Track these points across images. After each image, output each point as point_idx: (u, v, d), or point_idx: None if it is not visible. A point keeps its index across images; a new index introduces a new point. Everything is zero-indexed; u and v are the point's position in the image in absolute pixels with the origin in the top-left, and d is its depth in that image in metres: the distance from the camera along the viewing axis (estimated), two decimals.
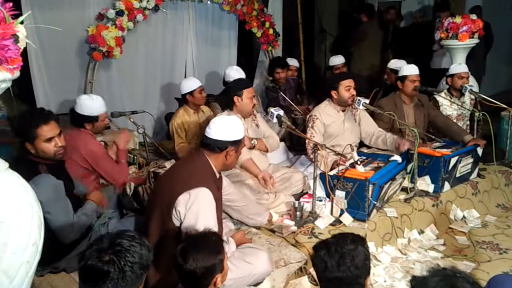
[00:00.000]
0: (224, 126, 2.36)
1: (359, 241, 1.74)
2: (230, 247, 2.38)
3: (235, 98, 3.32)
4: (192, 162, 2.39)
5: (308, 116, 3.77)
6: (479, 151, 3.85)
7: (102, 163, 3.09)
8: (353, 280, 1.64)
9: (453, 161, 3.58)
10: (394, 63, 4.84)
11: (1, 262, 1.52)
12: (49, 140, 2.42)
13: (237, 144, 2.38)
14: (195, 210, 2.16)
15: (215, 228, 2.17)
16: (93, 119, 3.13)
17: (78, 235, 2.44)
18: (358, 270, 1.65)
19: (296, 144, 4.48)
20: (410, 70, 4.04)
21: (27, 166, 2.25)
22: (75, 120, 3.13)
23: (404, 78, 4.03)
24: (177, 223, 2.21)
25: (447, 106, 4.38)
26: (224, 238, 2.38)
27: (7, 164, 1.64)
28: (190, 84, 4.07)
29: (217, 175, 2.43)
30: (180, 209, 2.18)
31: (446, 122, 4.13)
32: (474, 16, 4.72)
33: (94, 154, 3.06)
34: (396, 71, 4.40)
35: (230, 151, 2.35)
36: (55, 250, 2.35)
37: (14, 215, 1.54)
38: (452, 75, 4.38)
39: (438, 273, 1.40)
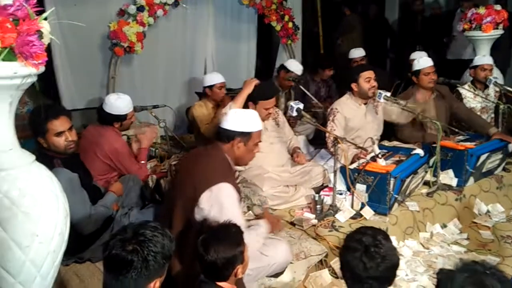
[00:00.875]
0: (236, 116, 2.33)
1: (388, 237, 1.73)
2: (261, 229, 2.36)
3: (250, 103, 3.24)
4: (208, 155, 2.35)
5: (329, 110, 3.75)
6: (510, 147, 3.78)
7: (125, 162, 3.12)
8: (388, 279, 1.64)
9: (482, 157, 3.53)
10: (415, 55, 4.78)
11: (29, 252, 1.57)
12: (59, 134, 2.44)
13: (245, 136, 2.31)
14: (218, 207, 2.15)
15: (242, 222, 2.16)
16: (122, 118, 3.19)
17: (97, 226, 2.48)
18: (394, 269, 1.65)
19: (316, 137, 4.46)
20: (422, 63, 3.95)
21: (43, 161, 2.32)
22: (104, 119, 3.16)
23: (418, 73, 3.95)
24: (199, 219, 2.21)
25: (471, 98, 4.29)
26: (253, 222, 2.39)
27: (33, 157, 1.69)
28: (212, 78, 4.10)
29: (234, 167, 2.42)
30: (204, 206, 2.17)
31: (469, 115, 4.04)
32: (498, 7, 4.61)
33: (117, 151, 3.09)
34: None
35: (238, 142, 2.30)
36: (79, 241, 2.40)
37: (41, 206, 1.59)
38: (475, 67, 4.29)
39: (466, 269, 1.36)
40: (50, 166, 2.30)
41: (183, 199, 2.25)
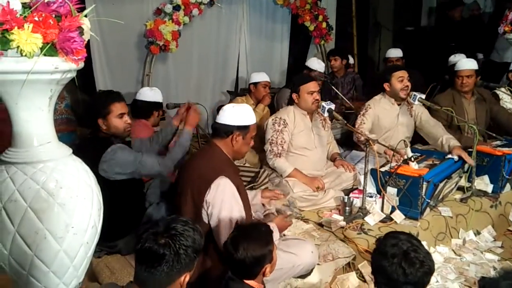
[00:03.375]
0: (232, 111, 2.33)
1: (420, 241, 1.71)
2: (274, 235, 2.38)
3: (294, 95, 3.29)
4: (205, 155, 2.37)
5: (362, 107, 3.72)
6: None
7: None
8: (423, 285, 1.62)
9: None
10: (452, 58, 4.69)
11: (63, 242, 1.62)
12: (121, 116, 2.58)
13: (243, 130, 2.33)
14: (218, 202, 2.17)
15: (240, 215, 2.20)
16: (159, 106, 3.37)
17: (173, 164, 2.65)
18: (431, 274, 1.63)
19: (347, 139, 4.42)
20: (459, 65, 3.88)
21: (99, 142, 2.49)
22: (141, 109, 3.31)
23: (454, 74, 3.87)
24: (206, 219, 2.22)
25: (507, 101, 4.17)
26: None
27: (70, 150, 1.74)
28: (258, 76, 4.27)
29: (232, 161, 2.41)
30: (206, 204, 2.20)
31: (509, 118, 3.93)
32: None
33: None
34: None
35: (236, 136, 2.31)
36: (113, 229, 2.45)
37: (77, 198, 1.63)
38: None
39: (510, 276, 1.33)
40: (106, 147, 2.46)
41: (191, 203, 2.25)
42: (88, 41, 1.65)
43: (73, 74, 1.62)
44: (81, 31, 1.55)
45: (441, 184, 3.05)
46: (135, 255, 1.54)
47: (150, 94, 3.32)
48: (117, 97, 2.62)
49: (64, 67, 1.54)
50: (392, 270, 1.60)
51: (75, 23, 1.51)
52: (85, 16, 1.60)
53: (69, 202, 1.60)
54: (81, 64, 1.60)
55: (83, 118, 2.61)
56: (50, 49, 1.48)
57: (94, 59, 4.53)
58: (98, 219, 1.72)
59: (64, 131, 3.40)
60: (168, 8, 4.55)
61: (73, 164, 1.68)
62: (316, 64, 4.73)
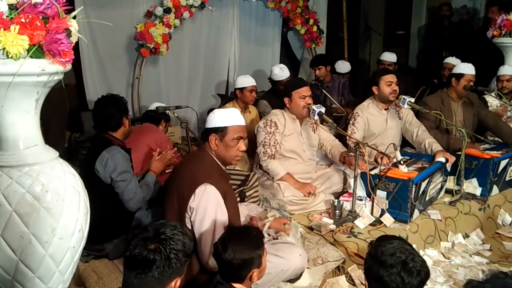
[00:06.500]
0: (211, 115, 2.30)
1: (413, 247, 1.73)
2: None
3: (285, 99, 3.27)
4: (193, 159, 2.34)
5: (350, 114, 3.72)
6: None
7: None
8: None
9: (503, 163, 3.44)
10: (451, 61, 4.78)
11: (49, 247, 1.60)
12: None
13: (219, 131, 2.25)
14: (202, 209, 2.13)
15: (225, 223, 2.16)
16: (167, 116, 3.66)
17: (141, 204, 2.69)
18: (426, 281, 1.65)
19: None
20: (468, 69, 3.87)
21: (101, 143, 2.65)
22: (153, 117, 3.60)
23: (460, 76, 3.88)
24: (190, 226, 2.19)
25: (497, 106, 4.21)
26: None
27: (57, 153, 1.72)
28: (244, 80, 4.18)
29: (223, 167, 2.35)
30: (190, 211, 2.17)
31: (497, 122, 3.96)
32: None
33: (166, 140, 3.36)
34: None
35: (214, 139, 2.25)
36: (102, 231, 2.45)
37: (63, 202, 1.61)
38: (497, 77, 4.22)
39: (497, 282, 1.33)
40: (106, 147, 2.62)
41: (176, 208, 2.22)
42: (77, 43, 1.64)
43: (60, 76, 1.61)
44: (68, 33, 1.54)
45: (424, 184, 3.04)
46: (125, 262, 1.51)
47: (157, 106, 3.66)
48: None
49: (51, 69, 1.52)
50: (390, 279, 1.62)
51: (63, 25, 1.50)
52: (74, 18, 1.59)
53: (55, 206, 1.59)
54: (69, 66, 1.59)
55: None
56: (37, 51, 1.47)
57: (83, 61, 4.50)
58: (84, 223, 1.70)
59: None
60: (159, 10, 4.54)
61: (59, 167, 1.66)
62: (279, 71, 4.50)
